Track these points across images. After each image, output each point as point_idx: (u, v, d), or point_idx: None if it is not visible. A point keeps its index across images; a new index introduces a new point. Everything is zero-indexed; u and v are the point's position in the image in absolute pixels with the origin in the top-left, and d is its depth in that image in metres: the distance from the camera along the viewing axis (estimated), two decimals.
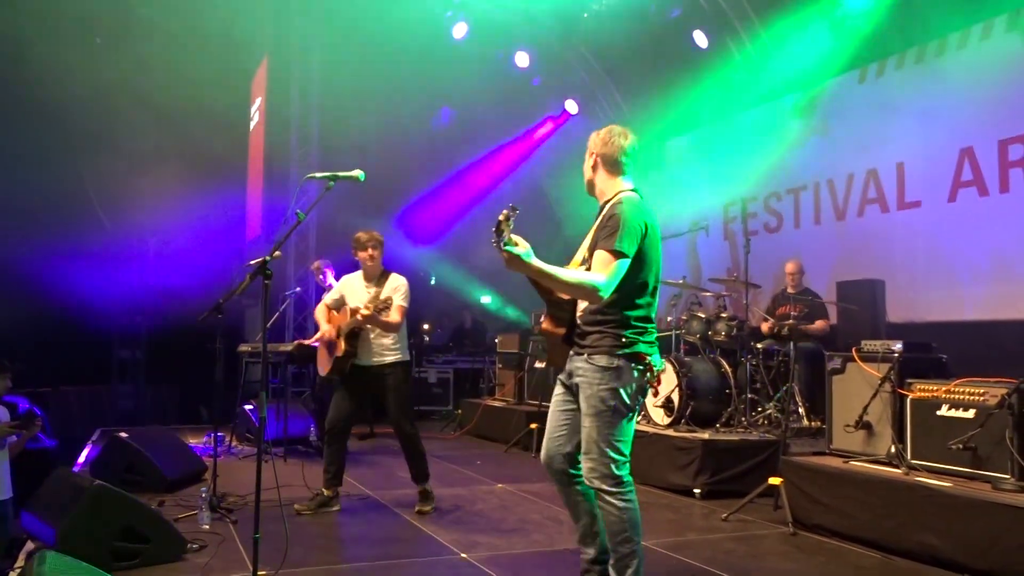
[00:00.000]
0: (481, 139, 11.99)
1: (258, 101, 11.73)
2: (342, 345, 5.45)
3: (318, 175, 3.73)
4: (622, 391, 3.24)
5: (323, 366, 5.73)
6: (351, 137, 10.27)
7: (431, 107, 10.75)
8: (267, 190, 10.79)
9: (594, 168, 3.47)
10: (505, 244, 2.96)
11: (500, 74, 11.29)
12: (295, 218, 3.68)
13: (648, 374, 3.32)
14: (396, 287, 5.53)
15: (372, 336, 5.51)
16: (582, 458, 3.31)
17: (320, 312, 5.78)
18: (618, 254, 3.18)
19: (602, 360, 3.27)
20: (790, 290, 7.70)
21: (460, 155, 11.92)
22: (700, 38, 9.75)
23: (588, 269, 3.29)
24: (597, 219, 3.41)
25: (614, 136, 3.46)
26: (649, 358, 3.32)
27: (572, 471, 3.51)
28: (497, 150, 12.35)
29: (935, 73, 7.62)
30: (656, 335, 3.42)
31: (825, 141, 8.69)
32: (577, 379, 3.35)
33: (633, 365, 3.27)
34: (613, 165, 3.45)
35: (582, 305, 3.43)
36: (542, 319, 3.67)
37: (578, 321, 3.43)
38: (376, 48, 10.15)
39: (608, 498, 3.23)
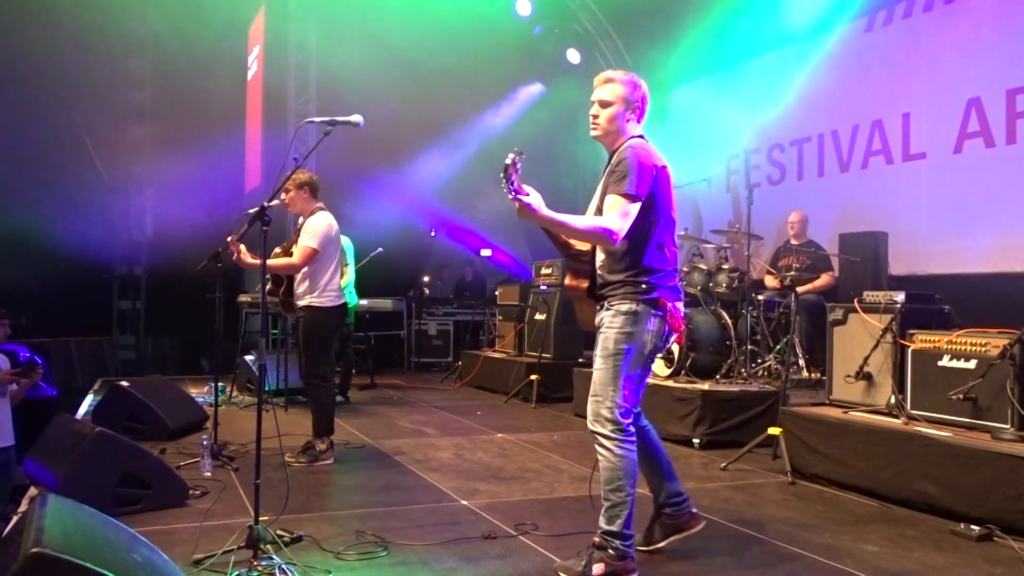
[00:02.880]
0: (482, 88, 11.81)
1: (256, 50, 11.55)
2: (269, 285, 5.35)
3: (316, 120, 3.68)
4: (638, 336, 3.22)
5: None
6: (350, 86, 10.13)
7: (430, 55, 10.55)
8: (265, 140, 10.68)
9: (625, 117, 3.33)
10: (517, 193, 2.89)
11: (501, 21, 11.12)
12: (292, 164, 3.64)
13: (669, 321, 3.29)
14: (306, 227, 5.33)
15: (295, 281, 5.41)
16: (588, 400, 3.30)
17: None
18: (629, 197, 3.14)
19: (622, 306, 3.25)
20: (793, 241, 7.66)
21: (461, 105, 11.74)
22: None
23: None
24: (607, 166, 3.35)
25: (642, 84, 3.39)
26: (670, 304, 3.28)
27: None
28: (497, 101, 12.21)
29: (944, 21, 7.47)
30: (679, 280, 3.38)
31: (830, 91, 8.56)
32: (600, 331, 3.34)
33: (653, 312, 3.24)
34: (640, 113, 3.38)
35: (600, 257, 3.40)
36: (565, 276, 3.64)
37: (599, 273, 3.40)
38: None
39: (605, 443, 3.21)
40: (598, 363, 3.29)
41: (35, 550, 2.10)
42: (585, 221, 3.16)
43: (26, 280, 9.40)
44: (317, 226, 5.30)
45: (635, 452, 3.25)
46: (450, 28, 10.32)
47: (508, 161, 2.85)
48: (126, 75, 11.00)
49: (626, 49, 11.34)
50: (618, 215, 3.13)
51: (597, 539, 3.26)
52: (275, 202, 3.81)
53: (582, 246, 3.53)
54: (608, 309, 3.29)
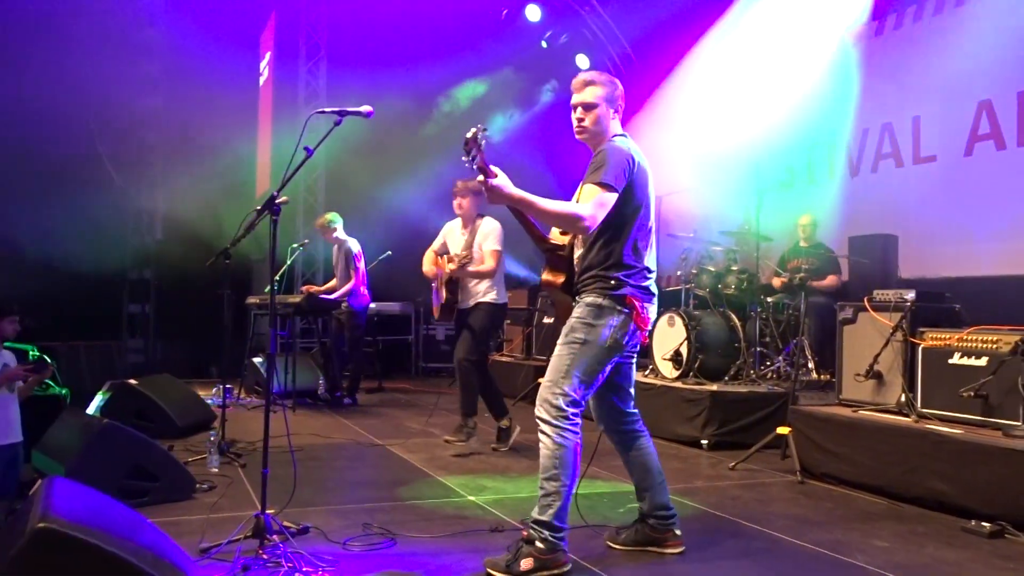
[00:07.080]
0: (491, 93, 11.83)
1: (267, 56, 11.62)
2: (444, 293, 5.78)
3: (326, 110, 3.68)
4: (599, 328, 3.19)
5: (434, 310, 6.06)
6: (360, 92, 10.17)
7: (443, 62, 10.59)
8: (276, 145, 10.74)
9: (609, 117, 3.34)
10: (483, 170, 2.85)
11: (511, 29, 11.18)
12: (302, 155, 3.64)
13: (635, 320, 3.23)
14: (487, 233, 5.73)
15: (470, 284, 5.79)
16: (541, 386, 3.25)
17: (427, 258, 6.02)
18: (605, 186, 3.12)
19: (588, 298, 3.25)
20: (803, 243, 7.64)
21: (470, 109, 11.76)
22: None
23: None
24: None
25: (619, 83, 3.42)
26: (638, 303, 3.23)
27: (623, 427, 3.53)
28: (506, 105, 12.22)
29: (954, 24, 7.46)
30: (652, 279, 3.35)
31: (840, 95, 8.54)
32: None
33: (619, 308, 3.21)
34: (622, 111, 3.42)
35: (578, 253, 3.39)
36: (543, 272, 3.59)
37: (576, 270, 3.39)
38: (385, 2, 10.03)
39: (547, 429, 3.15)
40: (556, 350, 3.26)
41: (41, 525, 2.10)
42: (558, 205, 3.10)
43: (36, 283, 9.42)
44: (496, 228, 5.75)
45: (577, 444, 3.15)
46: (459, 33, 10.36)
47: (469, 135, 2.81)
48: (139, 80, 11.06)
49: (635, 53, 11.34)
50: (592, 203, 3.10)
51: (526, 532, 3.18)
52: (283, 199, 3.78)
53: (559, 239, 3.49)
54: (577, 302, 3.30)
